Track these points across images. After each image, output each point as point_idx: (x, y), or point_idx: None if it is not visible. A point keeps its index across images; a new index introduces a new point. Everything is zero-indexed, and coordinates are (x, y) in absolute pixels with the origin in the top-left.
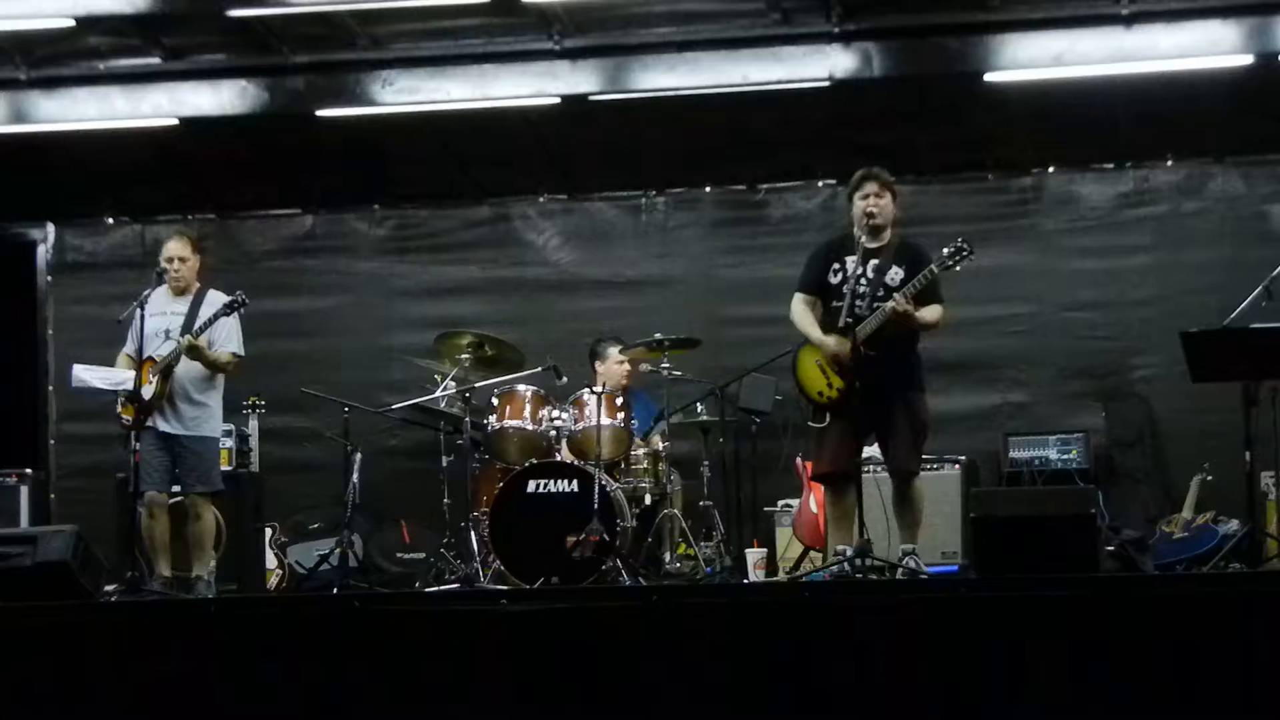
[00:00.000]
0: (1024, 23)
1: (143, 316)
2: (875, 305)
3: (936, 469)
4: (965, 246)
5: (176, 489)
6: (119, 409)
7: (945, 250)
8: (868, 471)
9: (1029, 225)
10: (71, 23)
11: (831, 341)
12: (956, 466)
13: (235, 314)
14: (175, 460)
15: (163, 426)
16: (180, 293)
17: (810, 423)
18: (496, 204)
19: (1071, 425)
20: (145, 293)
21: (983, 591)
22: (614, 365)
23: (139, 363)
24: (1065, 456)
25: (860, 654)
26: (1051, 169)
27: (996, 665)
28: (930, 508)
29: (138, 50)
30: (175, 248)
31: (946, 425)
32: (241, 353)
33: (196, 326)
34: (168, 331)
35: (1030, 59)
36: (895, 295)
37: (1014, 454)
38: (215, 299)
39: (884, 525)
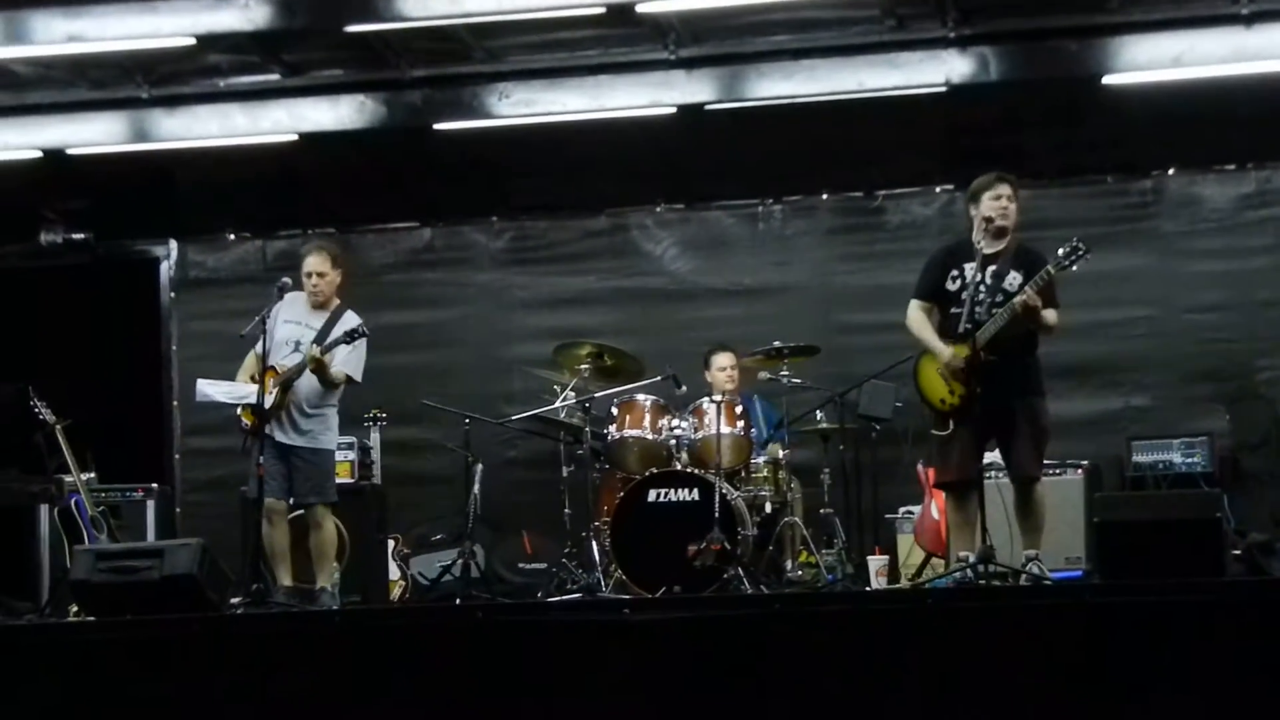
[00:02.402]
0: (1142, 24)
1: (266, 329)
2: (994, 311)
3: (1059, 474)
4: (1081, 246)
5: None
6: (238, 410)
7: (1061, 250)
8: (990, 477)
9: (1150, 228)
10: (192, 41)
11: (946, 352)
12: (1079, 471)
13: (351, 344)
14: (290, 471)
15: (279, 437)
16: (319, 306)
17: (933, 430)
18: (614, 214)
19: (1195, 429)
20: (268, 308)
21: (1107, 597)
22: (719, 372)
23: (262, 369)
24: (1189, 460)
25: (984, 661)
26: (1171, 171)
27: (1121, 671)
28: (1053, 513)
29: (257, 67)
30: (315, 263)
31: (1069, 430)
32: (358, 379)
33: (328, 341)
34: (297, 343)
35: (1149, 60)
36: (1025, 288)
37: (1137, 458)
38: (350, 320)
39: (1006, 531)
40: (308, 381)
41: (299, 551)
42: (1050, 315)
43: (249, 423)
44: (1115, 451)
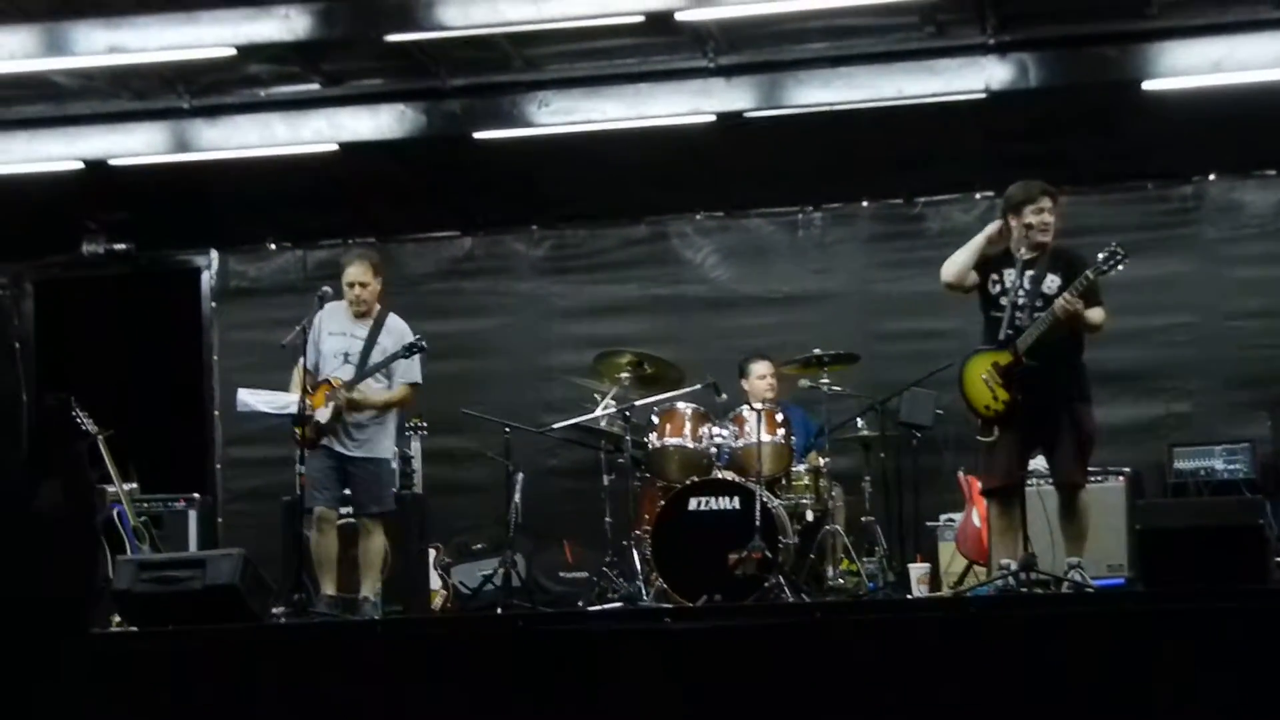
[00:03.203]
0: (1182, 29)
1: (307, 340)
2: (1035, 316)
3: (1101, 481)
4: (1119, 251)
5: (345, 510)
6: (294, 427)
7: (1100, 255)
8: (1032, 485)
9: (1190, 234)
10: (233, 51)
11: (993, 226)
12: (1121, 478)
13: (411, 357)
14: (348, 480)
15: (336, 447)
16: (361, 315)
17: (978, 436)
18: (654, 222)
19: (1237, 435)
20: (309, 317)
21: (1150, 604)
22: (757, 381)
23: (315, 383)
24: (1232, 467)
25: (1026, 669)
26: (1212, 177)
27: (1164, 678)
28: (1095, 520)
29: (297, 77)
30: (356, 272)
31: (1110, 437)
32: (419, 381)
33: (370, 365)
34: (346, 354)
35: (1189, 66)
36: (1064, 294)
37: (1179, 465)
38: (394, 325)
39: (1048, 538)
40: (363, 393)
41: (343, 561)
42: (1095, 314)
43: (300, 437)
44: (1157, 458)
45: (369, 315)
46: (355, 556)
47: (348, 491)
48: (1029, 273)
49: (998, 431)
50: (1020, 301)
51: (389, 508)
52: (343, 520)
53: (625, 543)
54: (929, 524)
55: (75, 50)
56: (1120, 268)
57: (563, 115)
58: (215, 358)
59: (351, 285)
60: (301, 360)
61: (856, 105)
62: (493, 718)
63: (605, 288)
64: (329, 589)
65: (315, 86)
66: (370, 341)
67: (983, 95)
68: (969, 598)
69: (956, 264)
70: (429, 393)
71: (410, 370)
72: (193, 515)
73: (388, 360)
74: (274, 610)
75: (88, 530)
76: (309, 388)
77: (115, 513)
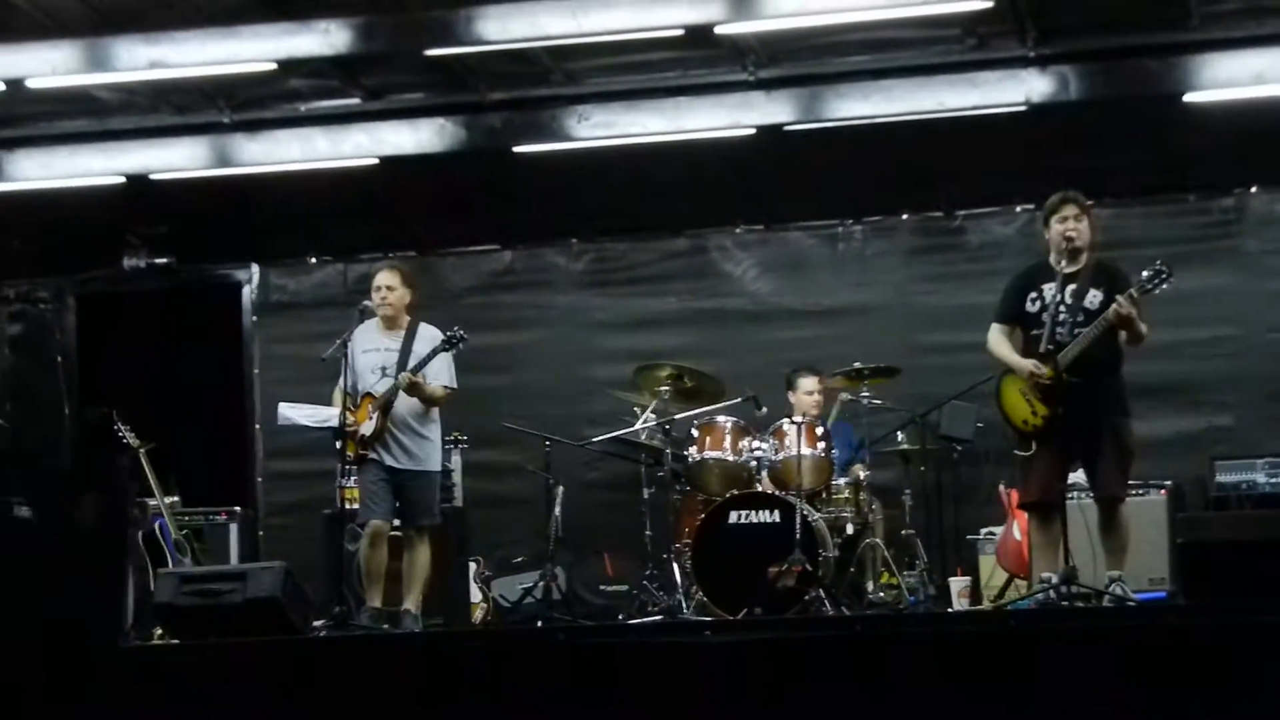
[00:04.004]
0: (1223, 42)
1: (348, 354)
2: (1076, 331)
3: (1142, 494)
4: (1164, 269)
5: (396, 522)
6: (338, 444)
7: (1144, 274)
8: (1072, 498)
9: (1232, 246)
10: (273, 66)
11: (1029, 364)
12: (1162, 492)
13: (452, 350)
14: (398, 493)
15: (389, 460)
16: (392, 326)
17: (1016, 451)
18: (693, 235)
19: (1279, 448)
20: (349, 331)
21: (1191, 618)
22: (804, 395)
23: (356, 399)
24: (1274, 480)
25: (1067, 683)
26: (1254, 189)
27: (1206, 693)
28: (1136, 534)
29: (338, 91)
30: (384, 277)
31: (1151, 450)
32: (454, 386)
33: (414, 362)
34: (383, 368)
35: (1230, 78)
36: (1118, 298)
37: (1221, 478)
38: (427, 333)
39: (1089, 552)
40: (406, 403)
41: (387, 573)
42: (1141, 324)
43: (350, 453)
44: (1198, 472)
45: (398, 325)
46: (399, 569)
47: (401, 504)
48: (1070, 287)
49: (1035, 446)
50: (1061, 317)
51: (437, 520)
52: (392, 533)
53: (665, 556)
54: (969, 537)
55: (117, 65)
56: (1165, 287)
57: (602, 129)
58: (256, 371)
59: (379, 289)
60: (343, 378)
61: (897, 118)
62: None
63: (645, 301)
64: (375, 601)
65: (356, 101)
66: (405, 351)
67: (1023, 108)
68: (1009, 611)
69: (994, 353)
70: (469, 406)
71: (443, 372)
72: (234, 528)
73: (430, 355)
74: (315, 623)
75: (123, 544)
76: (351, 405)
77: (157, 526)
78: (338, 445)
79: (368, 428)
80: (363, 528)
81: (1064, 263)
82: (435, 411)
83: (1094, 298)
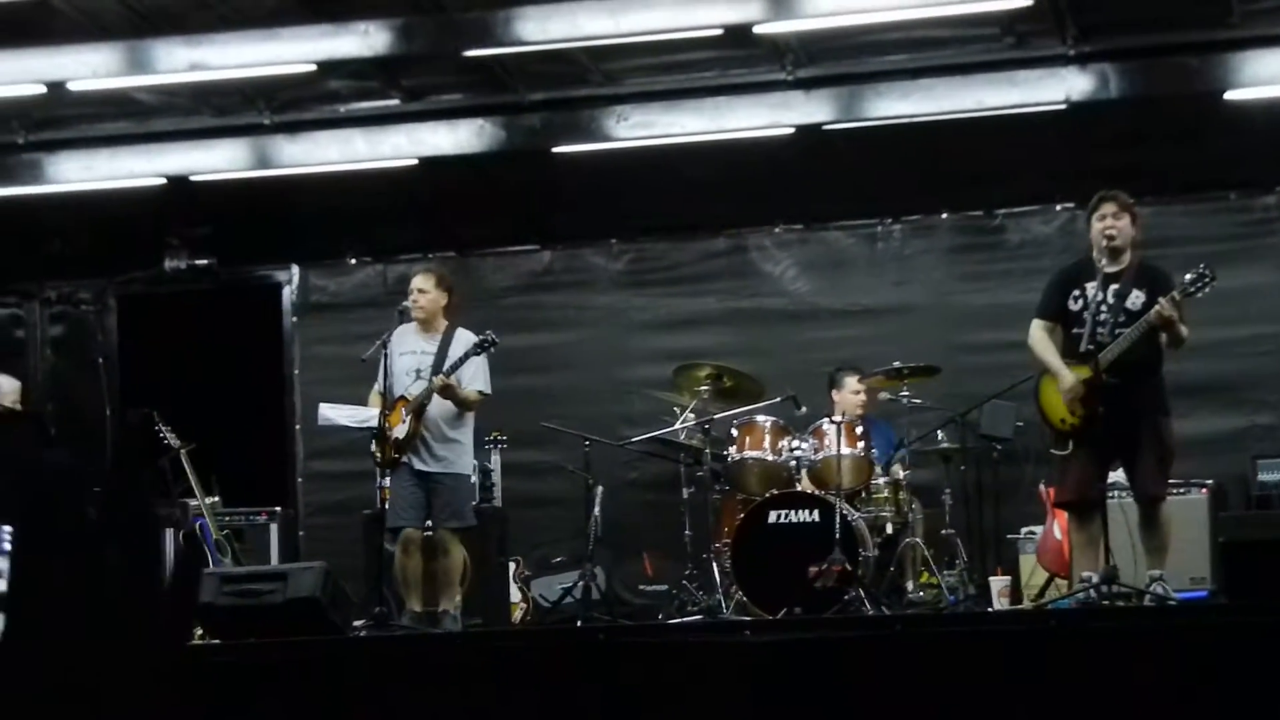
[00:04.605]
0: (1264, 39)
1: (387, 355)
2: (1117, 331)
3: (1183, 493)
4: (1208, 273)
5: (428, 522)
6: (372, 447)
7: (1187, 277)
8: (1112, 497)
9: (1273, 244)
10: (313, 68)
11: (1069, 379)
12: (1203, 491)
13: (485, 353)
14: (429, 497)
15: (418, 464)
16: (428, 329)
17: (1053, 450)
18: (733, 235)
19: None
20: (389, 332)
21: (1232, 617)
22: (850, 395)
23: (391, 401)
24: None
25: (1108, 682)
26: None
27: (1247, 693)
28: (1177, 533)
29: (377, 93)
30: (418, 280)
31: (1192, 449)
32: (488, 390)
33: (447, 366)
34: (418, 371)
35: (1272, 76)
36: (1160, 301)
37: (1263, 477)
38: (464, 337)
39: (1129, 551)
40: (439, 406)
41: (424, 575)
42: (1182, 327)
43: (381, 455)
44: (1240, 470)
45: (435, 329)
46: (435, 571)
47: (433, 507)
48: (1113, 286)
49: (1072, 445)
50: (1102, 316)
51: (469, 523)
52: (424, 534)
53: (705, 555)
54: (1009, 537)
55: (157, 67)
56: (1207, 290)
57: (641, 129)
58: (296, 372)
59: (412, 291)
60: (379, 379)
61: (936, 117)
62: None
63: (684, 301)
64: (415, 605)
65: (395, 102)
66: (440, 355)
67: (1063, 106)
68: (1050, 611)
69: (1036, 351)
70: (509, 406)
71: (478, 376)
72: (274, 529)
73: (463, 358)
74: (355, 623)
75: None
76: (386, 407)
77: (198, 526)
78: (372, 448)
79: (400, 430)
80: (394, 534)
81: (1105, 261)
82: (469, 416)
83: (1136, 298)
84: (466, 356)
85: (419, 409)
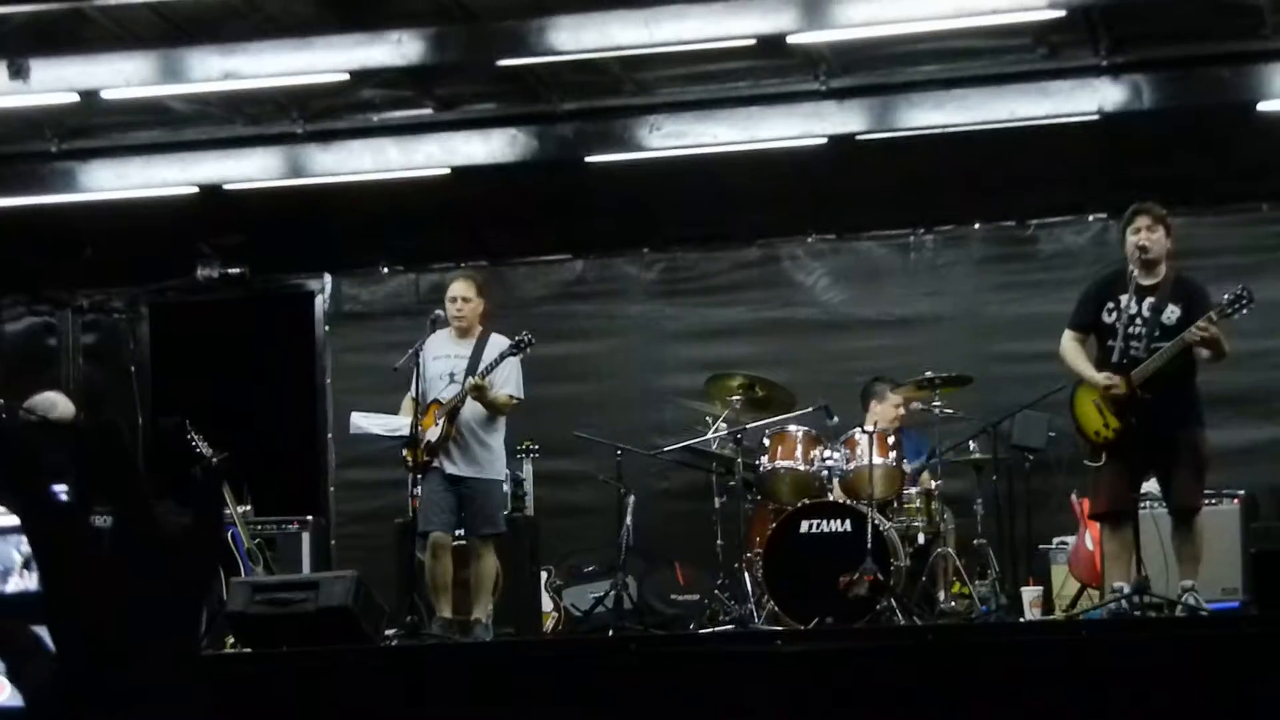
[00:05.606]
0: None
1: (420, 362)
2: (1154, 346)
3: (1215, 504)
4: (1245, 294)
5: (458, 532)
6: (403, 452)
7: (1225, 298)
8: (1144, 507)
9: None
10: (346, 77)
11: (1102, 379)
12: (1236, 501)
13: (519, 356)
14: (461, 502)
15: (449, 469)
16: (464, 335)
17: (1086, 461)
18: (765, 245)
19: None
20: (421, 340)
21: (1264, 628)
22: (891, 407)
23: (424, 406)
24: None
25: (1139, 693)
26: None
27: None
28: (1209, 544)
29: (410, 102)
30: (459, 288)
31: (1224, 460)
32: (520, 395)
33: (482, 367)
34: (451, 375)
35: None
36: (1198, 323)
37: None
38: (498, 342)
39: (1161, 561)
40: (472, 411)
41: (456, 583)
42: (1225, 343)
43: (412, 459)
44: (1272, 481)
45: (470, 334)
46: (467, 579)
47: (464, 513)
48: (1148, 300)
49: (1105, 457)
50: (1137, 330)
51: (500, 529)
52: (455, 542)
53: (737, 565)
54: (1041, 547)
55: (190, 76)
56: (1245, 312)
57: (674, 139)
58: (328, 381)
59: (454, 300)
60: (413, 385)
61: (969, 127)
62: None
63: (716, 310)
64: (445, 612)
65: (428, 111)
66: (475, 359)
67: (1096, 117)
68: (1082, 621)
69: (1067, 361)
70: (541, 415)
71: (510, 380)
72: (306, 537)
73: (498, 359)
74: (387, 632)
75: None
76: (419, 412)
77: (229, 535)
78: (403, 453)
79: (433, 433)
80: (424, 538)
81: (1140, 274)
82: (501, 421)
83: (1172, 313)
84: (502, 357)
85: (452, 411)
